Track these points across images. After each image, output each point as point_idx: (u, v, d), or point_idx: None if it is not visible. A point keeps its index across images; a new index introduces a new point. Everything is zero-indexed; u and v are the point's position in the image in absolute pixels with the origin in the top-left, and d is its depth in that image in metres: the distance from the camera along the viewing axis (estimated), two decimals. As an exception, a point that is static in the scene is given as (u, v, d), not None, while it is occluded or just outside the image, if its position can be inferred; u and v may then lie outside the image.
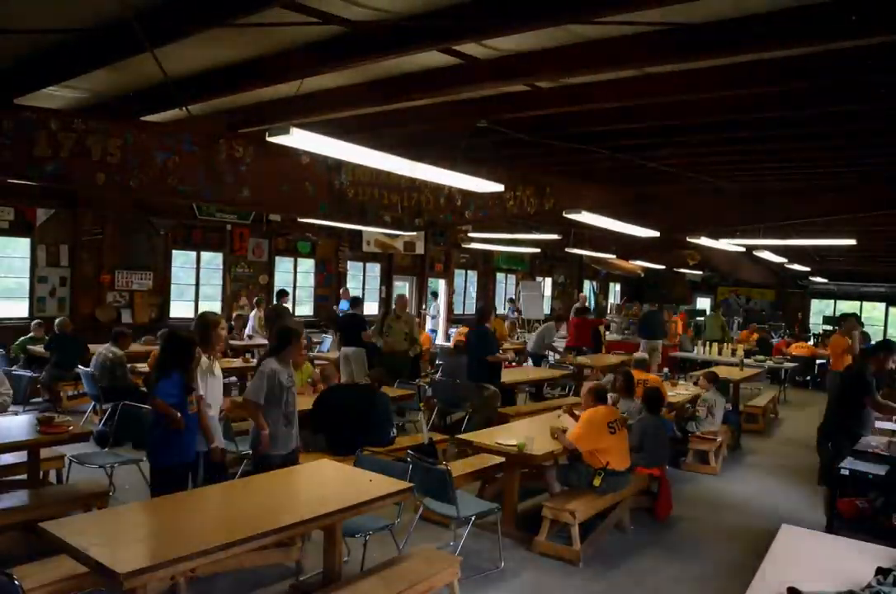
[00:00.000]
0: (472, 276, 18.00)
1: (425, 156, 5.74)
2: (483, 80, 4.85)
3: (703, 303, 23.47)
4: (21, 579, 2.44)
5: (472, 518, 4.19)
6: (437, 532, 4.77)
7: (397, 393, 6.79)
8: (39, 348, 8.31)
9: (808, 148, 7.04)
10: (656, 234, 9.30)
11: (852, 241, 10.34)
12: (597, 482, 4.71)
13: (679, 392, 7.44)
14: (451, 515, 4.15)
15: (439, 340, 14.97)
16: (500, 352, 8.63)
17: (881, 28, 3.41)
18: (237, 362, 8.29)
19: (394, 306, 9.08)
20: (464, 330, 11.44)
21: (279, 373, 4.29)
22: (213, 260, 12.07)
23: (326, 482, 3.79)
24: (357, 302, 9.21)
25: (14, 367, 7.97)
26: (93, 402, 7.42)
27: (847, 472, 4.50)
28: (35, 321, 8.99)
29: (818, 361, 13.50)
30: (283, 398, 4.29)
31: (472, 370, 7.56)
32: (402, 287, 15.58)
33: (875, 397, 5.34)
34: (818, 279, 20.11)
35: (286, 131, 4.17)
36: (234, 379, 8.65)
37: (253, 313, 10.81)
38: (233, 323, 10.29)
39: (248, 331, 10.56)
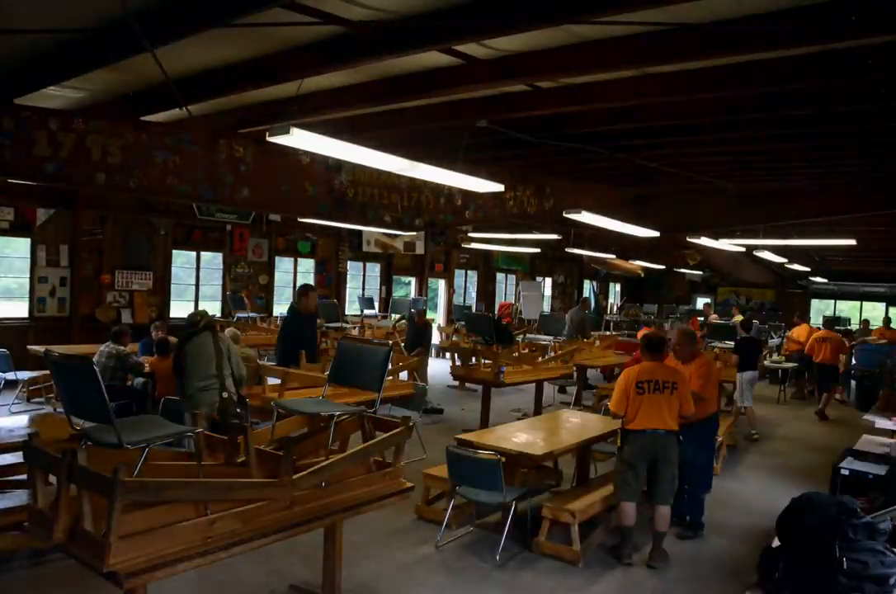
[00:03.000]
0: (473, 275, 18.00)
1: (425, 156, 5.74)
2: (483, 80, 4.84)
3: (703, 302, 23.43)
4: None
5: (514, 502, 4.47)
6: (434, 531, 4.76)
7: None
8: None
9: (808, 148, 7.04)
10: (656, 234, 9.30)
11: (852, 241, 10.34)
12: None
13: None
14: (494, 501, 4.48)
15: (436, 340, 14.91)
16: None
17: (881, 28, 3.41)
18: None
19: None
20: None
21: None
22: (213, 260, 12.07)
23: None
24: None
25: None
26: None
27: (847, 472, 4.51)
28: None
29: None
30: None
31: None
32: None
33: None
34: (818, 279, 20.12)
35: (286, 131, 4.18)
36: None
37: None
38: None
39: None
